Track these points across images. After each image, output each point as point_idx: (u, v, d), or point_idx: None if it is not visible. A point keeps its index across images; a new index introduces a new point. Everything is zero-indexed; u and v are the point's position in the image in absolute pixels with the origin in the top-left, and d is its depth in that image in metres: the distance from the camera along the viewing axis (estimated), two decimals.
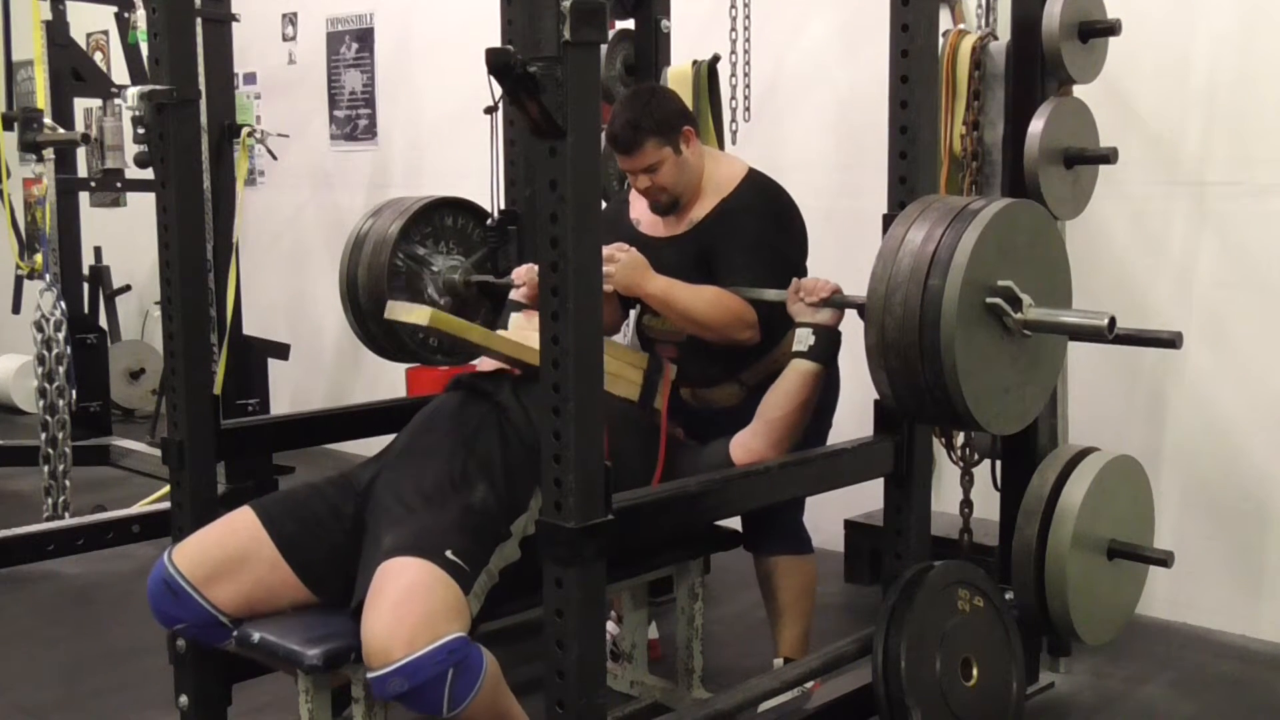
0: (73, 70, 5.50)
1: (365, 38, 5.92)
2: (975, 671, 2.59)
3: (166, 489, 3.04)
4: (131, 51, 5.45)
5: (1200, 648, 3.54)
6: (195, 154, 2.75)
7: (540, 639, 2.03)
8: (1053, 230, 2.45)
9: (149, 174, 2.69)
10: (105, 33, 6.85)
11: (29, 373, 5.88)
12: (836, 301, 2.63)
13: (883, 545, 2.74)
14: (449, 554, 2.22)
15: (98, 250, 6.66)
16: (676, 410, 2.87)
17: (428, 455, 2.47)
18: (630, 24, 3.84)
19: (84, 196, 5.61)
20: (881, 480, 2.70)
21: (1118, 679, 3.31)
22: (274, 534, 2.40)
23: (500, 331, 2.83)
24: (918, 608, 2.51)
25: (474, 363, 3.16)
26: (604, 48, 3.48)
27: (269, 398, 5.54)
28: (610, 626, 3.11)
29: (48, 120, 4.87)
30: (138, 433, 5.99)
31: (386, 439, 2.67)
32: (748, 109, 3.98)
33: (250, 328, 5.25)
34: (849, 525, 4.11)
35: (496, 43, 3.38)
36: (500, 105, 3.23)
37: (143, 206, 3.79)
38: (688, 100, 3.40)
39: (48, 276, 4.71)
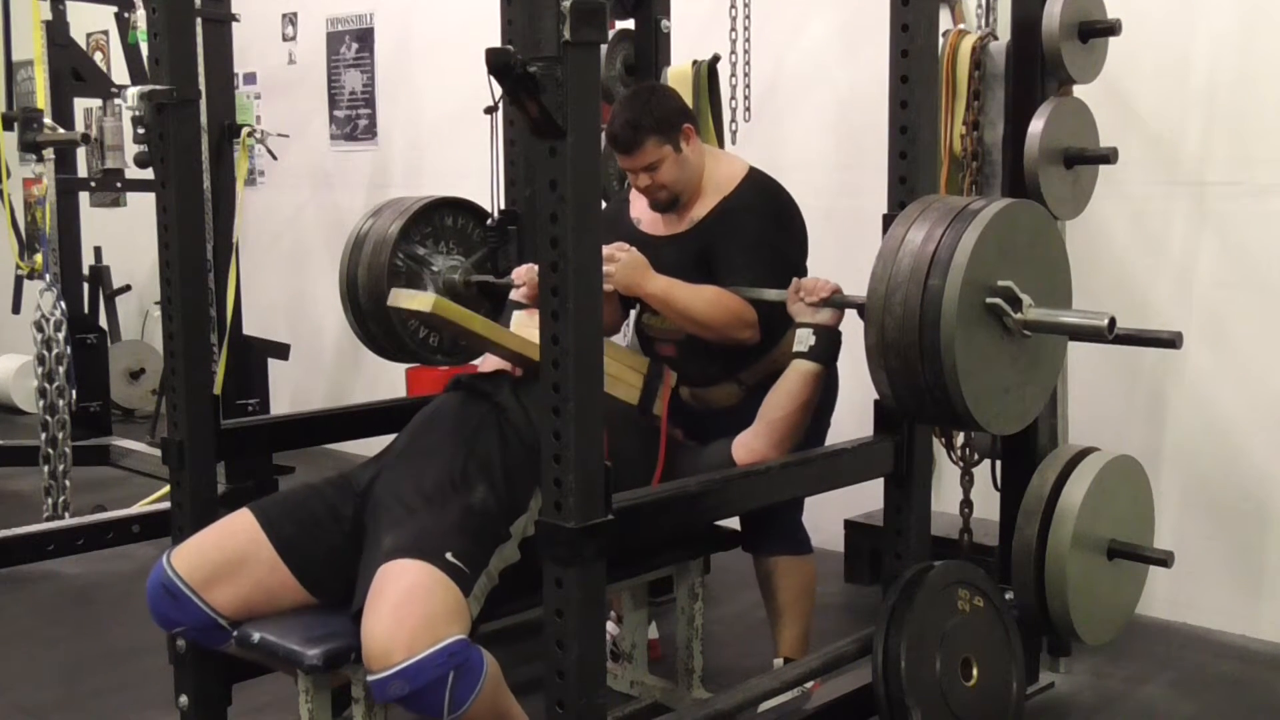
0: (73, 70, 5.49)
1: (365, 38, 5.92)
2: (975, 671, 2.59)
3: (166, 489, 3.04)
4: (131, 51, 5.45)
5: (1200, 648, 3.54)
6: (195, 154, 2.75)
7: (540, 639, 2.03)
8: (1053, 230, 2.45)
9: (149, 174, 2.69)
10: (105, 33, 6.85)
11: (29, 373, 5.88)
12: (836, 301, 2.63)
13: (883, 545, 2.74)
14: (449, 556, 2.22)
15: (98, 250, 6.66)
16: (676, 411, 2.87)
17: (427, 456, 2.47)
18: (630, 24, 3.84)
19: (84, 196, 5.61)
20: (881, 480, 2.70)
21: (1118, 679, 3.31)
22: (273, 536, 2.39)
23: None
24: (918, 608, 2.51)
25: (474, 363, 3.16)
26: (604, 48, 3.48)
27: (269, 398, 5.54)
28: (610, 626, 3.11)
29: (48, 120, 4.87)
30: (138, 433, 5.99)
31: (386, 439, 2.67)
32: (748, 109, 3.98)
33: (250, 328, 5.25)
34: (849, 525, 4.11)
35: (496, 43, 3.38)
36: (500, 105, 3.23)
37: (143, 206, 3.79)
38: (688, 100, 3.39)
39: (48, 276, 4.71)
